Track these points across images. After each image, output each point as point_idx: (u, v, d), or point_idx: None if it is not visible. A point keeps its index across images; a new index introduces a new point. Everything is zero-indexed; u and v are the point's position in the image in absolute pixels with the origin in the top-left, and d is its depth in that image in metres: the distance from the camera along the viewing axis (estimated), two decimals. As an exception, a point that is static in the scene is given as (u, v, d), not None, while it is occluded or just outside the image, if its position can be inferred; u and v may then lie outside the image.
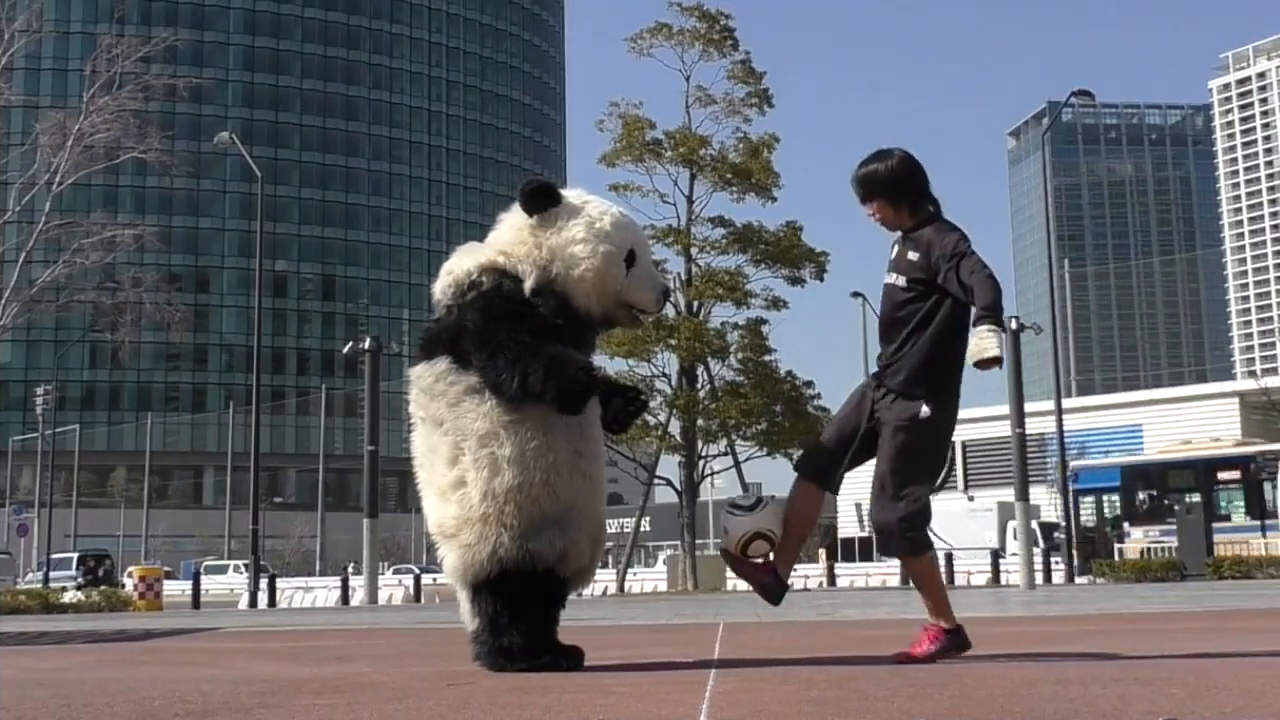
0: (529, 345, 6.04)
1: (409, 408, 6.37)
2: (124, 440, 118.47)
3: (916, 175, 6.84)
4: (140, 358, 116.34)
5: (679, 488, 39.05)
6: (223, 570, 66.00)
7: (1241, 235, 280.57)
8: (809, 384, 38.24)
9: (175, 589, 46.72)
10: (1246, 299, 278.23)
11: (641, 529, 46.15)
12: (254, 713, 4.81)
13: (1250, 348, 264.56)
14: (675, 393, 37.62)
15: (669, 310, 37.10)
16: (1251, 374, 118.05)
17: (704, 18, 38.37)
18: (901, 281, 6.71)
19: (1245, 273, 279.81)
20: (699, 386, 37.87)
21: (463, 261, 6.40)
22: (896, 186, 6.79)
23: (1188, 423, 61.62)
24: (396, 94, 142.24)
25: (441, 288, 6.36)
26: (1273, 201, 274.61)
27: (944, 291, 6.57)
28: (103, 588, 40.61)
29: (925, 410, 6.52)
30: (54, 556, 68.90)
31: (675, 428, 38.38)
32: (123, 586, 41.39)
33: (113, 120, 31.05)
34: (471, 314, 6.19)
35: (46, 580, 57.57)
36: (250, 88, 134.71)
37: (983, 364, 6.31)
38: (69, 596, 34.97)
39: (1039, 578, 35.34)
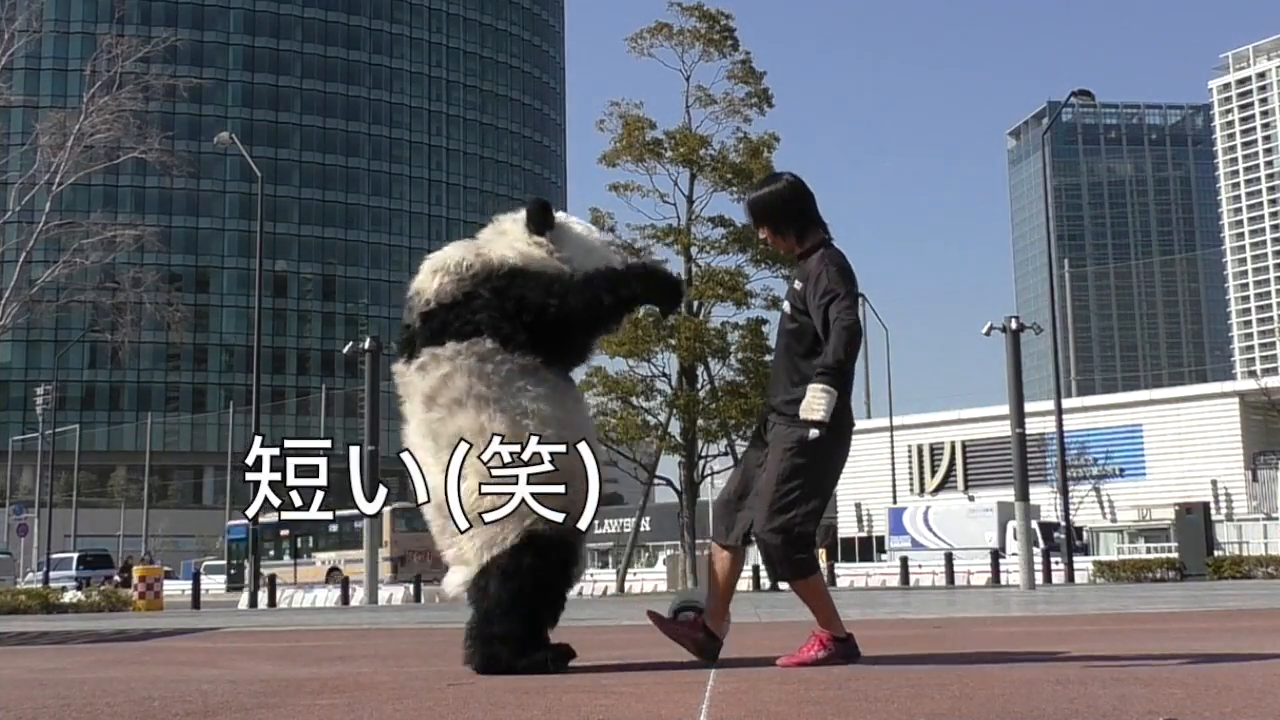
0: (600, 270, 6.43)
1: (421, 387, 6.34)
2: (124, 440, 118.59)
3: (802, 201, 6.78)
4: (140, 358, 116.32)
5: (679, 488, 39.10)
6: (223, 570, 65.88)
7: (1241, 235, 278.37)
8: (809, 384, 38.37)
9: (175, 589, 46.77)
10: (1246, 299, 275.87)
11: (641, 529, 46.11)
12: (254, 713, 4.82)
13: (1250, 348, 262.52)
14: (675, 393, 37.66)
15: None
16: (1251, 374, 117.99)
17: (704, 18, 38.42)
18: (787, 308, 6.78)
19: (1245, 273, 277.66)
20: (699, 386, 37.92)
21: (494, 248, 6.51)
22: (781, 213, 6.76)
23: (1188, 423, 62.05)
24: (396, 94, 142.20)
25: (458, 266, 6.40)
26: (1273, 201, 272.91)
27: None
28: (103, 587, 40.65)
29: (813, 432, 6.37)
30: (54, 556, 68.96)
31: (675, 428, 38.45)
32: (124, 585, 41.48)
33: (113, 120, 31.05)
34: (520, 284, 6.33)
35: (46, 580, 57.55)
36: (250, 88, 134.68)
37: (810, 422, 6.30)
38: (69, 596, 35.02)
39: (1039, 578, 35.04)
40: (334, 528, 58.30)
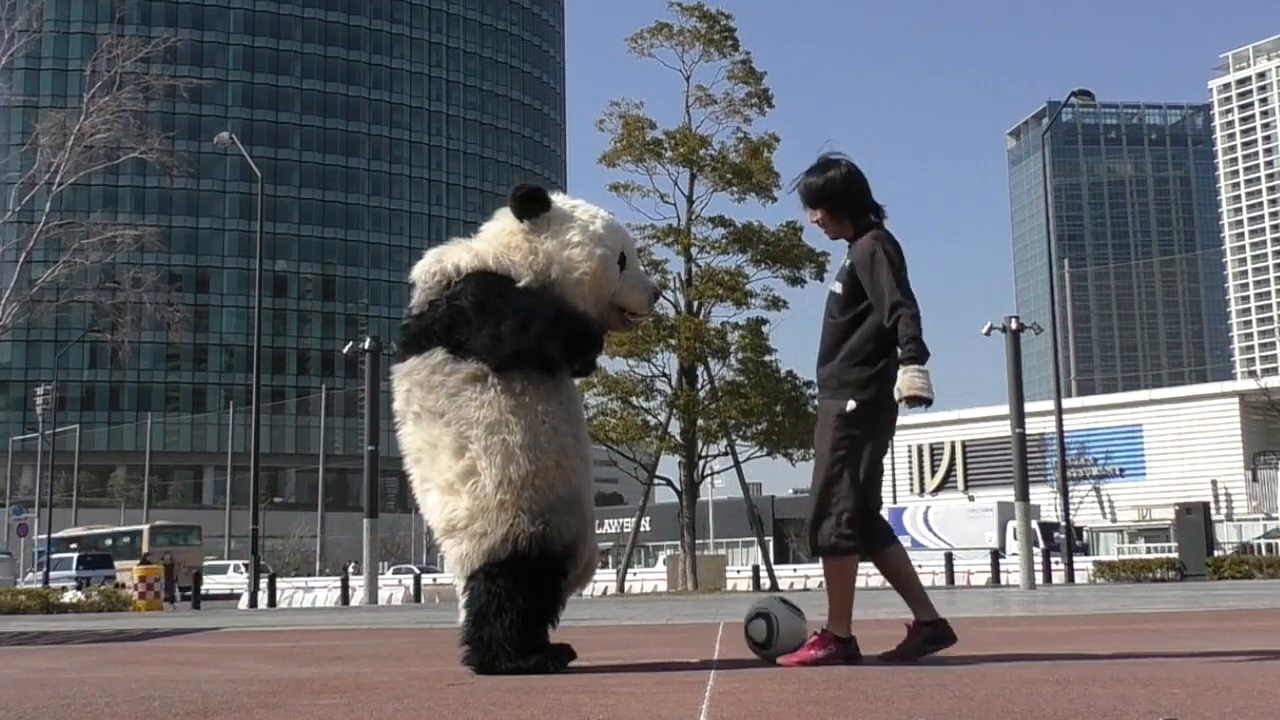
0: (531, 300, 6.14)
1: (394, 404, 6.37)
2: (124, 440, 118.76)
3: (862, 186, 6.75)
4: (140, 358, 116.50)
5: (679, 488, 39.08)
6: (223, 570, 65.97)
7: (1241, 235, 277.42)
8: (809, 384, 38.16)
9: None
10: (1246, 299, 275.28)
11: (641, 529, 46.14)
12: (254, 713, 4.82)
13: (1250, 348, 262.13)
14: (675, 393, 37.66)
15: (669, 310, 37.14)
16: (1251, 374, 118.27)
17: (704, 18, 38.44)
18: (838, 288, 6.70)
19: (1245, 273, 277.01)
20: (699, 386, 37.93)
21: (453, 254, 6.40)
22: (842, 198, 6.71)
23: (1188, 423, 61.83)
24: (396, 94, 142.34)
25: (426, 276, 6.35)
26: (1273, 201, 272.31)
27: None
28: (103, 586, 40.71)
29: (851, 404, 6.43)
30: (54, 556, 68.91)
31: (675, 428, 38.44)
32: (123, 585, 41.50)
33: (113, 120, 31.08)
34: (467, 293, 6.21)
35: (46, 580, 57.59)
36: (250, 88, 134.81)
37: (912, 401, 6.27)
38: (69, 596, 35.08)
39: (1039, 578, 34.98)
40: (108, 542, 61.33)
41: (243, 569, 56.38)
